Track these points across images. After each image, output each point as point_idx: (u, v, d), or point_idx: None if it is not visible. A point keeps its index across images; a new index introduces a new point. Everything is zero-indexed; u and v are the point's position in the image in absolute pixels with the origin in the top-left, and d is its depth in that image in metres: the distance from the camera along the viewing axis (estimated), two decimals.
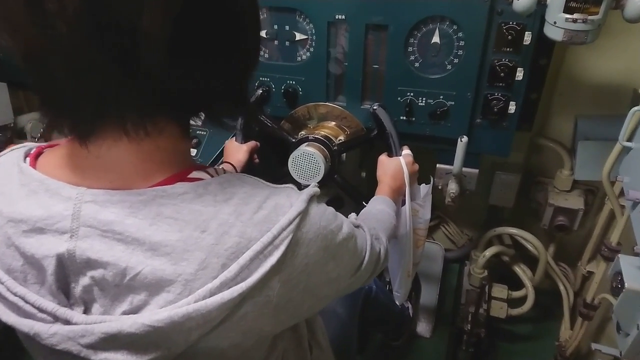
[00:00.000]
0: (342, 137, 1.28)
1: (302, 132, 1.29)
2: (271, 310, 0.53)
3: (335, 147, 1.22)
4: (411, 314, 1.67)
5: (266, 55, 1.32)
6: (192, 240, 0.48)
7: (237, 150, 1.28)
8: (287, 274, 0.52)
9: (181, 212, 0.49)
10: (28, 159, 0.56)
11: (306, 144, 1.21)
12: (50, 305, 0.49)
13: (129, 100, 0.47)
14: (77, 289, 0.50)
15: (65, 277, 0.50)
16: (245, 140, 1.30)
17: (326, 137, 1.24)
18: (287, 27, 1.26)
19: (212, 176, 0.55)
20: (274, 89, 1.34)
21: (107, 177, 0.51)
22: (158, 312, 0.47)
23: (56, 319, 0.49)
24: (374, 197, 1.06)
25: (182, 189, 0.50)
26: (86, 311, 0.51)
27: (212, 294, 0.48)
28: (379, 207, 0.99)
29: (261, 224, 0.51)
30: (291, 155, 1.19)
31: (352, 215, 0.83)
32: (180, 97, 0.50)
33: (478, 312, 1.61)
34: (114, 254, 0.48)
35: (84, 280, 0.49)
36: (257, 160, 1.34)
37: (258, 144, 1.33)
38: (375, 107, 1.17)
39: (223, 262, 0.49)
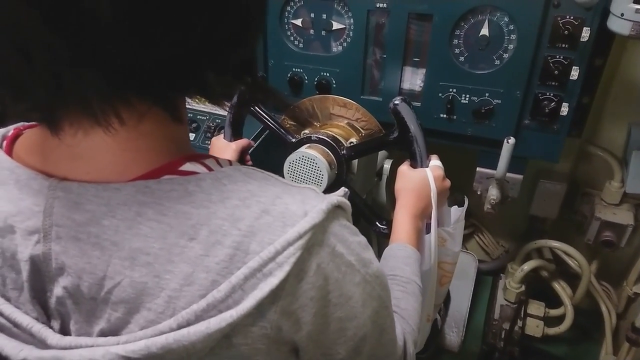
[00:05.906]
0: (354, 140, 1.03)
1: (306, 131, 1.06)
2: (267, 344, 0.43)
3: (344, 152, 0.99)
4: (439, 326, 1.56)
5: (300, 45, 1.26)
6: (177, 250, 0.40)
7: (223, 150, 1.08)
8: (287, 303, 0.42)
9: (166, 213, 0.41)
10: (5, 143, 0.48)
11: (307, 145, 1.00)
12: (25, 319, 0.43)
13: (88, 81, 0.38)
14: (52, 299, 0.43)
15: (41, 284, 0.43)
16: (235, 137, 1.11)
17: (334, 138, 1.00)
18: (324, 16, 1.20)
19: (210, 170, 0.45)
20: (306, 81, 1.27)
21: (83, 168, 0.43)
22: (134, 341, 0.39)
23: (31, 336, 0.42)
24: (392, 245, 0.82)
25: (168, 184, 0.42)
26: (63, 326, 0.44)
27: (197, 318, 0.39)
28: (403, 274, 0.75)
29: (263, 233, 0.41)
30: (287, 159, 0.98)
31: None
32: (151, 72, 0.39)
33: (512, 330, 1.51)
34: (89, 260, 0.41)
35: (57, 291, 0.43)
36: (249, 162, 1.13)
37: (251, 142, 1.14)
38: (396, 102, 0.88)
39: (213, 279, 0.40)
